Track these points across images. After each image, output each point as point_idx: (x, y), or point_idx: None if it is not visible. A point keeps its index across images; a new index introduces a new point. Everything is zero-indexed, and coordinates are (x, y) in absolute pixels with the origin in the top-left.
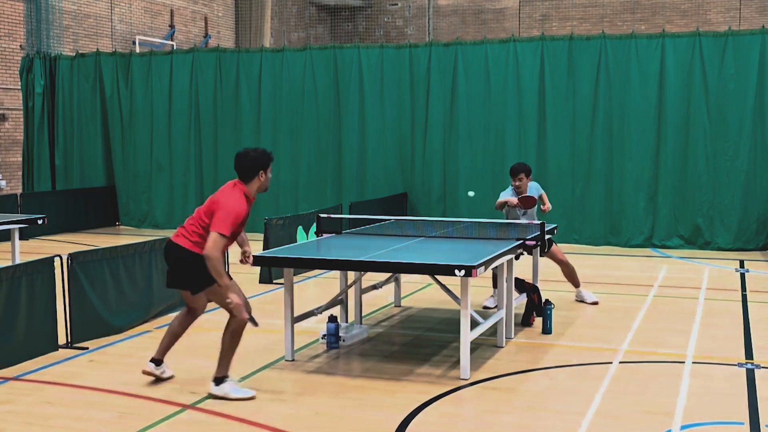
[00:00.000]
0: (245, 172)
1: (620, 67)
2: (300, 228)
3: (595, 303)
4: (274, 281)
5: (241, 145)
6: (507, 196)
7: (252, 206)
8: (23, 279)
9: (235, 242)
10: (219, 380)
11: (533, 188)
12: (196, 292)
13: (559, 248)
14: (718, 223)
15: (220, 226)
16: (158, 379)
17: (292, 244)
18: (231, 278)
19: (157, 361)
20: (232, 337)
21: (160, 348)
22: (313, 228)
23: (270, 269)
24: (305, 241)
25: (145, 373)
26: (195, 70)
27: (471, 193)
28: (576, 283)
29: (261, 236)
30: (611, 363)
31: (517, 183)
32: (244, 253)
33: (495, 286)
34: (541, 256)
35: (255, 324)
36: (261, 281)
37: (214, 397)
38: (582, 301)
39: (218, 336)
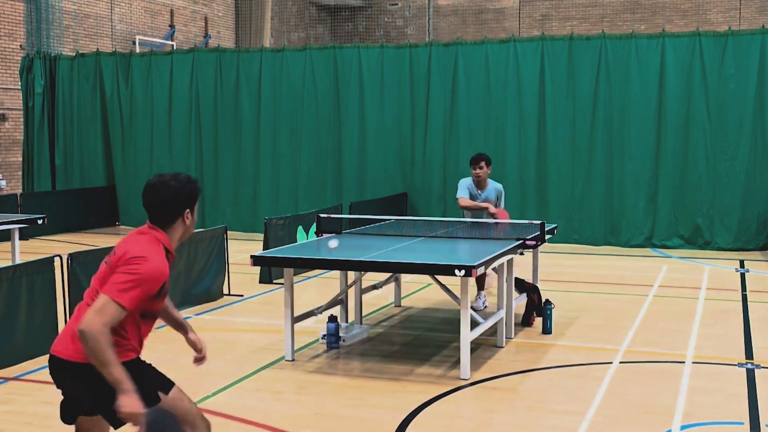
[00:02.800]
0: (164, 212)
1: (620, 67)
2: (300, 228)
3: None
4: (274, 281)
5: (241, 144)
6: (465, 186)
7: (253, 206)
8: (23, 279)
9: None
10: None
11: (492, 189)
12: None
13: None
14: (718, 223)
15: (119, 287)
16: None
17: (292, 244)
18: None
19: None
20: None
21: None
22: (313, 228)
23: (270, 269)
24: (305, 241)
25: None
26: (195, 70)
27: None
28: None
29: (261, 236)
30: (611, 363)
31: (478, 171)
32: (193, 346)
33: (481, 288)
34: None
35: None
36: (261, 281)
37: None
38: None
39: (217, 336)
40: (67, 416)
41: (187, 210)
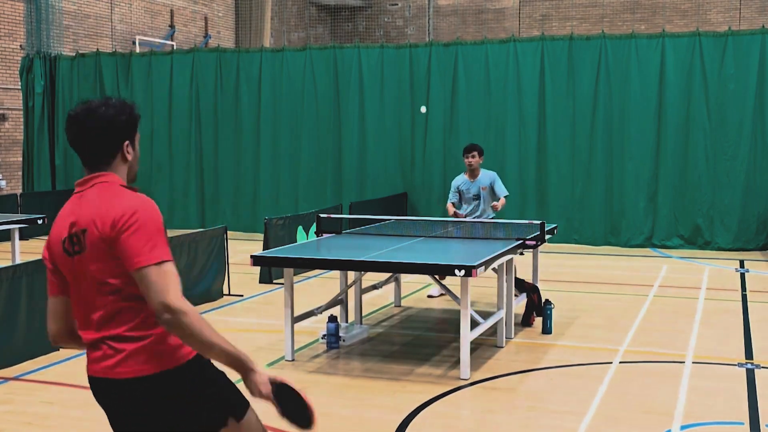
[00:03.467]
0: (98, 148)
1: (620, 67)
2: (300, 228)
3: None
4: (274, 281)
5: (241, 144)
6: (455, 187)
7: (253, 206)
8: (23, 279)
9: None
10: None
11: (486, 176)
12: None
13: None
14: (718, 223)
15: (158, 247)
16: None
17: (292, 244)
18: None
19: None
20: None
21: None
22: (313, 228)
23: (270, 269)
24: (305, 241)
25: None
26: (195, 70)
27: (423, 109)
28: None
29: (261, 236)
30: (611, 363)
31: (471, 159)
32: None
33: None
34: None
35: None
36: (261, 281)
37: None
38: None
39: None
40: None
41: (126, 142)
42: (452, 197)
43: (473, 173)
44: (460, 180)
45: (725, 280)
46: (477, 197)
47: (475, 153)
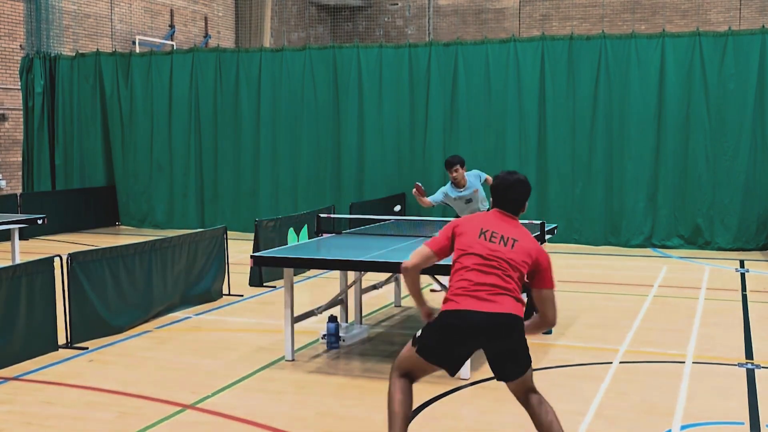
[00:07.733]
0: (523, 204)
1: (620, 67)
2: (291, 230)
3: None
4: (264, 284)
5: (241, 144)
6: (445, 191)
7: (252, 206)
8: (23, 279)
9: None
10: None
11: (473, 177)
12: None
13: None
14: (718, 222)
15: (553, 281)
16: None
17: (293, 245)
18: None
19: None
20: None
21: None
22: (305, 230)
23: (260, 271)
24: (306, 241)
25: None
26: (195, 70)
27: (397, 208)
28: None
29: (252, 237)
30: (611, 363)
31: (454, 174)
32: None
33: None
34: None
35: None
36: (251, 284)
37: None
38: None
39: (217, 336)
40: (510, 374)
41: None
42: (437, 198)
43: (459, 184)
44: (448, 189)
45: (725, 280)
46: (470, 200)
47: (457, 167)
